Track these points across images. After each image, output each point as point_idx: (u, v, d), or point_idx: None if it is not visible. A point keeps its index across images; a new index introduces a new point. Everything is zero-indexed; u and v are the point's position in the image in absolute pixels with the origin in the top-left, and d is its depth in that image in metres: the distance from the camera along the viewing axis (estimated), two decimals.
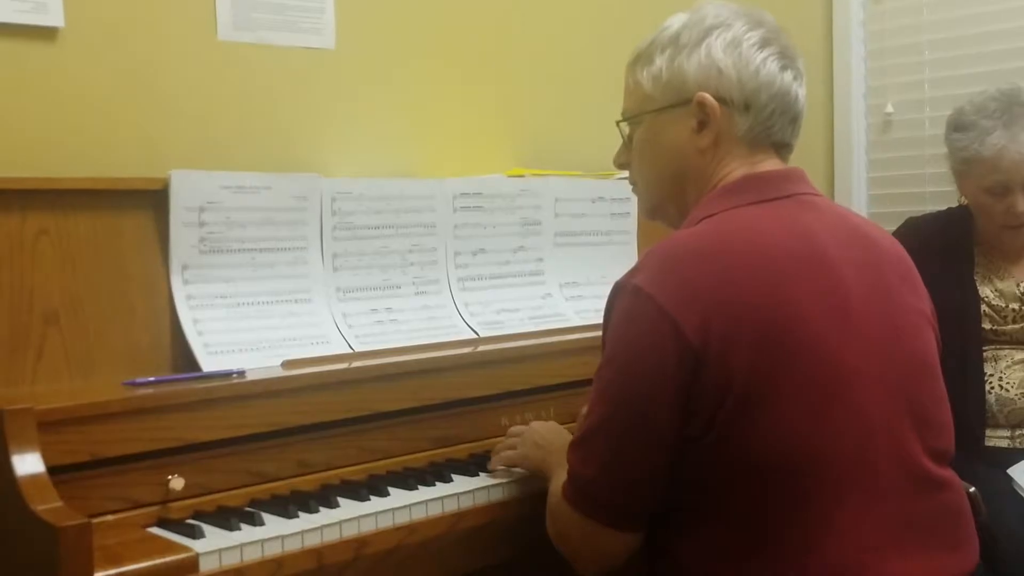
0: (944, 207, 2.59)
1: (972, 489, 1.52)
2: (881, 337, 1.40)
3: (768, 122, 1.48)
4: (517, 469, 1.75)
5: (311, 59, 2.21)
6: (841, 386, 1.34)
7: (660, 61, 1.51)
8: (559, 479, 1.51)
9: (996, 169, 2.24)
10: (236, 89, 2.11)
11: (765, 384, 1.31)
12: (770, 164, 1.50)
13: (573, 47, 2.67)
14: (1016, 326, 2.30)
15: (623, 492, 1.40)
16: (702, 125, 1.49)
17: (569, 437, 1.70)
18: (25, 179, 1.73)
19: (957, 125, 2.32)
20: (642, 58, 1.55)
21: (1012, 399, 2.26)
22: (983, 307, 2.30)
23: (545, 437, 1.74)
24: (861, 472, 1.34)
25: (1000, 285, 2.32)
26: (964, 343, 2.28)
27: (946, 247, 2.38)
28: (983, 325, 2.30)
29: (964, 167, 2.32)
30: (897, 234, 2.47)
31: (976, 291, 2.32)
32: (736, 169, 1.49)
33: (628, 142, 1.61)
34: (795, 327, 1.33)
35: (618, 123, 1.61)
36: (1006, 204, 2.26)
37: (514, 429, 1.82)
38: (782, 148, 1.53)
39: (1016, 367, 2.28)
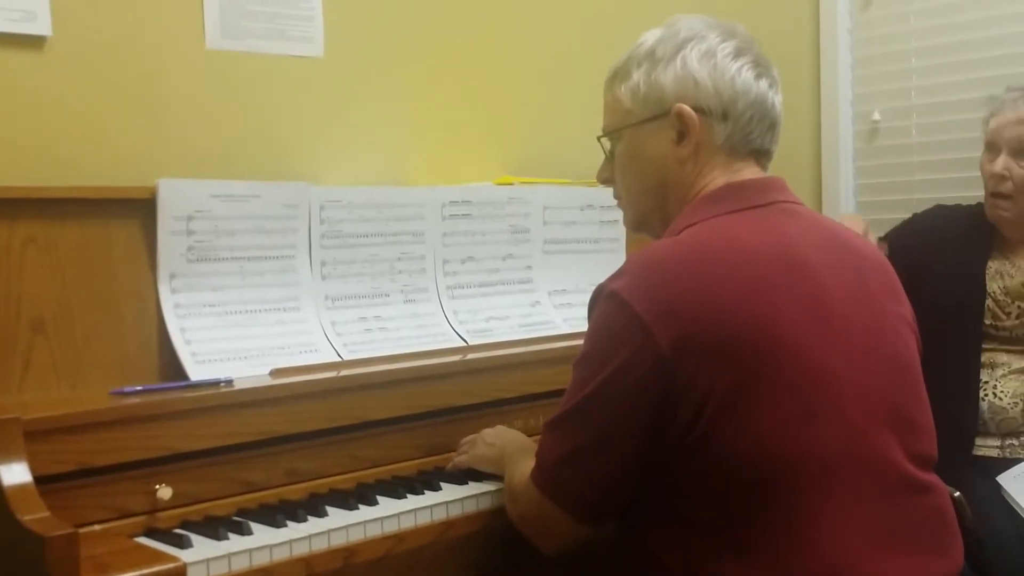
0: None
1: (957, 493, 1.53)
2: (863, 342, 1.41)
3: (746, 129, 1.51)
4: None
5: (300, 67, 2.21)
6: (823, 391, 1.35)
7: (637, 75, 1.54)
8: (517, 465, 1.57)
9: (995, 123, 2.32)
10: (225, 97, 2.10)
11: (746, 390, 1.32)
12: (750, 172, 1.53)
13: (562, 55, 2.67)
14: (1016, 321, 2.31)
15: (583, 482, 1.43)
16: (681, 136, 1.51)
17: (519, 434, 1.78)
18: (13, 187, 1.73)
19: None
20: (619, 74, 1.57)
21: (1005, 408, 2.27)
22: (988, 302, 2.33)
23: (495, 435, 1.80)
24: (844, 476, 1.35)
25: (1009, 283, 2.34)
26: (964, 336, 2.30)
27: (966, 236, 2.41)
28: (984, 319, 2.32)
29: (984, 127, 2.39)
30: (922, 216, 2.52)
31: (984, 285, 2.34)
32: (717, 178, 1.51)
33: (610, 157, 1.63)
34: (776, 334, 1.34)
35: (599, 139, 1.63)
36: (992, 165, 2.32)
37: (467, 438, 1.84)
38: (761, 156, 1.55)
39: (1012, 376, 2.29)
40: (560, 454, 1.45)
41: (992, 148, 2.34)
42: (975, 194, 2.49)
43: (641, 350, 1.34)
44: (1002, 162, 2.29)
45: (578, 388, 1.43)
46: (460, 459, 1.80)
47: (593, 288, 1.47)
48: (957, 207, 2.53)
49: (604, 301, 1.41)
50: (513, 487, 1.57)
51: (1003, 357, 2.31)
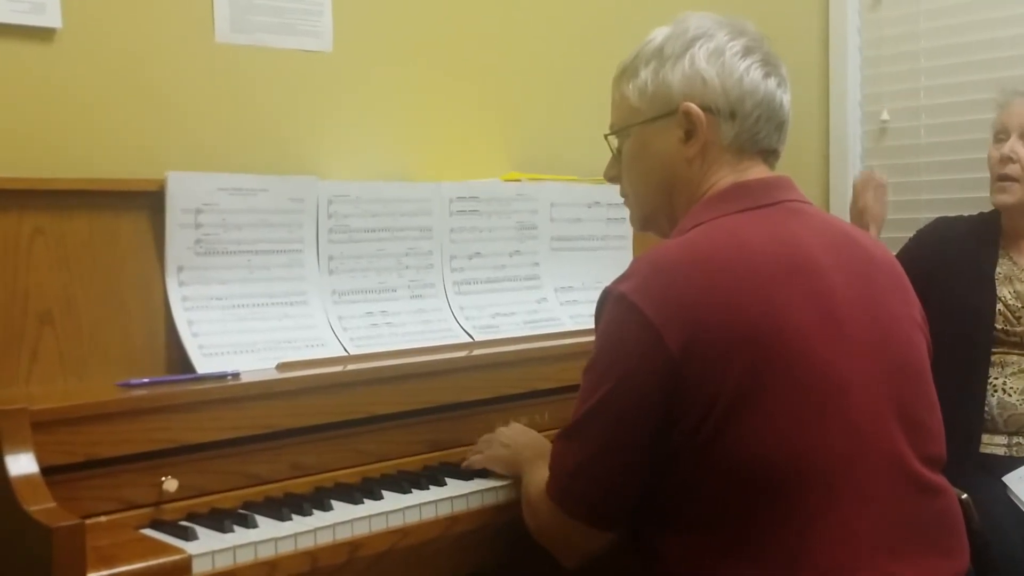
0: (939, 215, 2.60)
1: (964, 496, 1.53)
2: (871, 343, 1.40)
3: (754, 129, 1.50)
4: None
5: (308, 62, 2.21)
6: (831, 392, 1.35)
7: (645, 74, 1.53)
8: (534, 473, 1.55)
9: (1004, 113, 2.37)
10: (233, 91, 2.11)
11: (754, 392, 1.32)
12: (757, 171, 1.52)
13: (570, 52, 2.67)
14: None
15: (598, 490, 1.43)
16: (689, 135, 1.50)
17: (535, 435, 1.75)
18: (21, 179, 1.73)
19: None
20: (627, 72, 1.57)
21: (1014, 404, 2.28)
22: (999, 306, 2.33)
23: (511, 436, 1.78)
24: (851, 477, 1.34)
25: (1020, 288, 2.35)
26: (974, 341, 2.32)
27: (973, 245, 2.43)
28: (995, 324, 2.33)
29: (994, 122, 2.44)
30: (926, 230, 2.52)
31: (994, 290, 2.35)
32: (724, 177, 1.50)
33: (617, 155, 1.62)
34: (784, 335, 1.34)
35: (607, 136, 1.63)
36: (1001, 152, 2.34)
37: (484, 437, 1.83)
38: (769, 155, 1.54)
39: (1022, 375, 2.29)
40: (575, 465, 1.44)
41: (1001, 135, 2.38)
42: (983, 195, 2.48)
43: (651, 352, 1.33)
44: (1010, 144, 2.34)
45: (589, 394, 1.42)
46: (475, 459, 1.78)
47: (599, 285, 1.46)
48: (959, 218, 2.54)
49: (612, 304, 1.40)
50: (530, 499, 1.56)
51: (1013, 357, 2.31)
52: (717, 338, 1.32)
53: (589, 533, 1.46)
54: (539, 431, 1.91)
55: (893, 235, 2.64)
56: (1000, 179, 2.36)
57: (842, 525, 1.32)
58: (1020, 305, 2.32)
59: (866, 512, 1.34)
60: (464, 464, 1.78)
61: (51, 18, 1.87)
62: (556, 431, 1.93)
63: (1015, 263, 2.38)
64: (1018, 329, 2.31)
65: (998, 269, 2.37)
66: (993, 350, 2.32)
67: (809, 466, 1.33)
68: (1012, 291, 2.34)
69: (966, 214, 2.55)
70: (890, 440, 1.38)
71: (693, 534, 1.38)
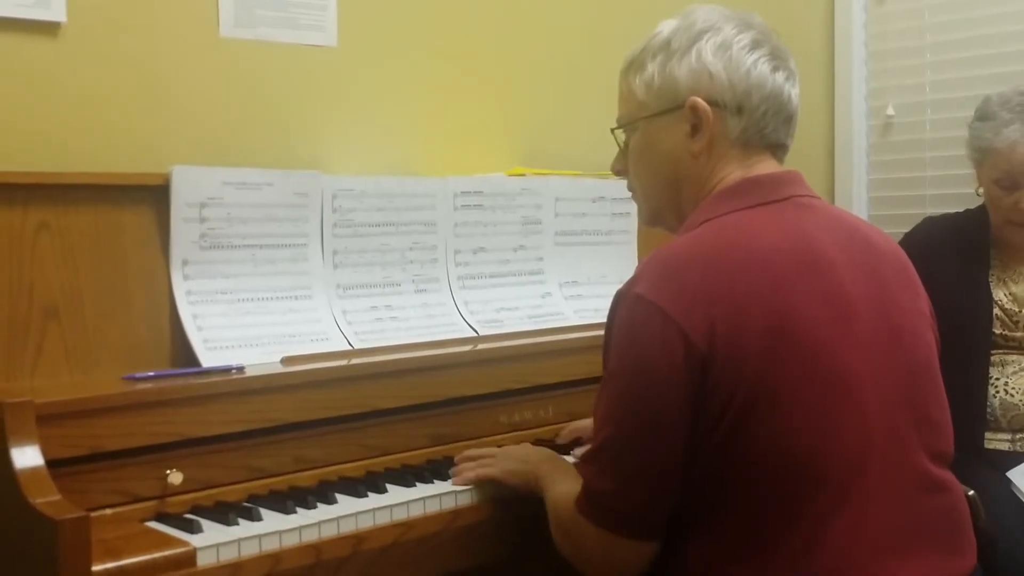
0: (945, 209, 2.59)
1: (971, 492, 1.53)
2: (881, 339, 1.40)
3: (761, 123, 1.49)
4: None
5: (313, 56, 2.21)
6: (842, 388, 1.34)
7: (652, 67, 1.52)
8: (557, 490, 1.52)
9: (1007, 161, 2.28)
10: (238, 85, 2.11)
11: (769, 387, 1.31)
12: (766, 166, 1.50)
13: (575, 46, 2.67)
14: None
15: (641, 502, 1.39)
16: (695, 129, 1.49)
17: (546, 451, 1.72)
18: (26, 173, 1.73)
19: (980, 115, 2.36)
20: (634, 65, 1.55)
21: (1016, 404, 2.26)
22: (996, 310, 2.31)
23: (525, 452, 1.73)
24: (862, 474, 1.34)
25: (1015, 289, 2.33)
26: (973, 344, 2.29)
27: (963, 248, 2.40)
28: (994, 329, 2.31)
29: (979, 156, 2.35)
30: (914, 232, 2.50)
31: (990, 293, 2.33)
32: (732, 172, 1.49)
33: (624, 149, 1.61)
34: (797, 330, 1.33)
35: (613, 130, 1.62)
36: (1013, 199, 2.29)
37: (478, 451, 1.78)
38: (777, 149, 1.53)
39: (1023, 374, 2.28)
40: (617, 482, 1.39)
41: (1004, 182, 2.29)
42: None
43: (677, 350, 1.31)
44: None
45: (616, 405, 1.39)
46: (486, 471, 1.70)
47: (604, 280, 1.46)
48: (946, 217, 2.51)
49: (629, 306, 1.38)
50: (562, 521, 1.49)
51: (1013, 356, 2.30)
52: (733, 335, 1.31)
53: (634, 546, 1.41)
54: (543, 426, 1.92)
55: (899, 230, 2.63)
56: (1012, 223, 2.32)
57: (851, 524, 1.32)
58: (1017, 309, 2.30)
59: (875, 511, 1.34)
60: (471, 477, 1.70)
61: (56, 12, 1.87)
62: (559, 425, 1.96)
63: (1007, 266, 2.36)
64: (1017, 334, 2.29)
65: (991, 271, 2.36)
66: (993, 352, 2.31)
67: (822, 465, 1.32)
68: (1007, 293, 2.32)
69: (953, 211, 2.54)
70: (901, 437, 1.38)
71: (706, 532, 1.37)
